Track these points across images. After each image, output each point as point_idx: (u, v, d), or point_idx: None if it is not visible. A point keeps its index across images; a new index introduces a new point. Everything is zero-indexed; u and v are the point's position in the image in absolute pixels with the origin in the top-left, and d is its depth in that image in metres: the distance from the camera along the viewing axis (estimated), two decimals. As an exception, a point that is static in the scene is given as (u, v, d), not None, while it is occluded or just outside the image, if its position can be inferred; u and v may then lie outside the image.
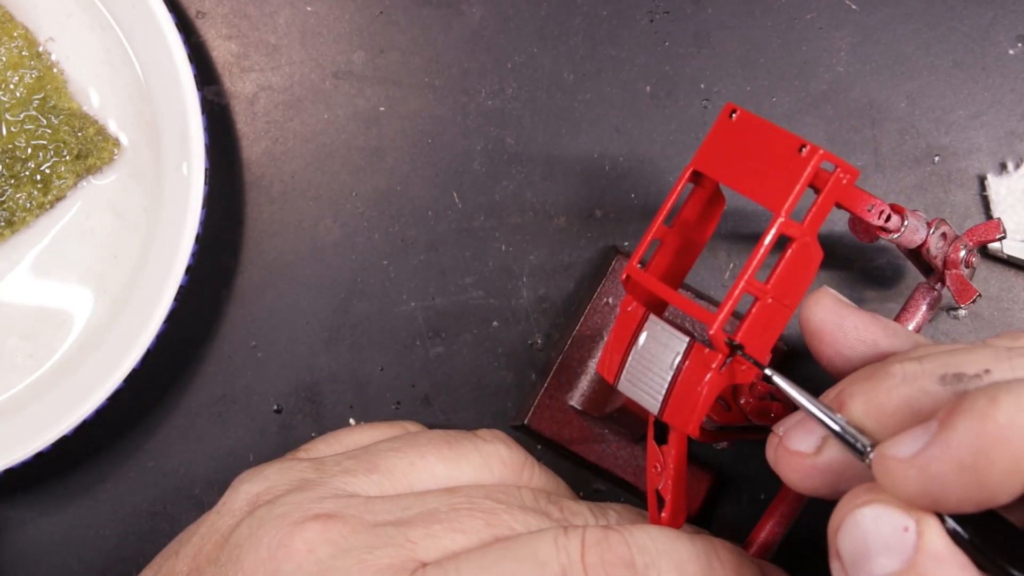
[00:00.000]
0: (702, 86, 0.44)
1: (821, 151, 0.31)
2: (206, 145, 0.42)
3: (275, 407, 0.44)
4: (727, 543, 0.34)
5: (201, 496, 0.44)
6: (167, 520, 0.44)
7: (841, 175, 0.33)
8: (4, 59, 0.43)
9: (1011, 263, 0.43)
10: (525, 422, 0.41)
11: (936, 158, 0.44)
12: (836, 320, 0.33)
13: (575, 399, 0.41)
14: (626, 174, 0.44)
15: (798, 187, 0.31)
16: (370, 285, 0.44)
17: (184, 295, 0.41)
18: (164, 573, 0.33)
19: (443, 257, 0.44)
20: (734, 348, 0.32)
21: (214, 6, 0.45)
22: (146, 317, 0.41)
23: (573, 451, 0.41)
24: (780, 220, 0.31)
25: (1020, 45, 0.44)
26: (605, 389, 0.41)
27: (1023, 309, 0.43)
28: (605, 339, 0.37)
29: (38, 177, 0.43)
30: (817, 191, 0.33)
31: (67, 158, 0.43)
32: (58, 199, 0.43)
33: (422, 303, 0.44)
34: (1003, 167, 0.43)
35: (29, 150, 0.43)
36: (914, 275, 0.43)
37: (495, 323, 0.44)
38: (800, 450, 0.30)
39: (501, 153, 0.44)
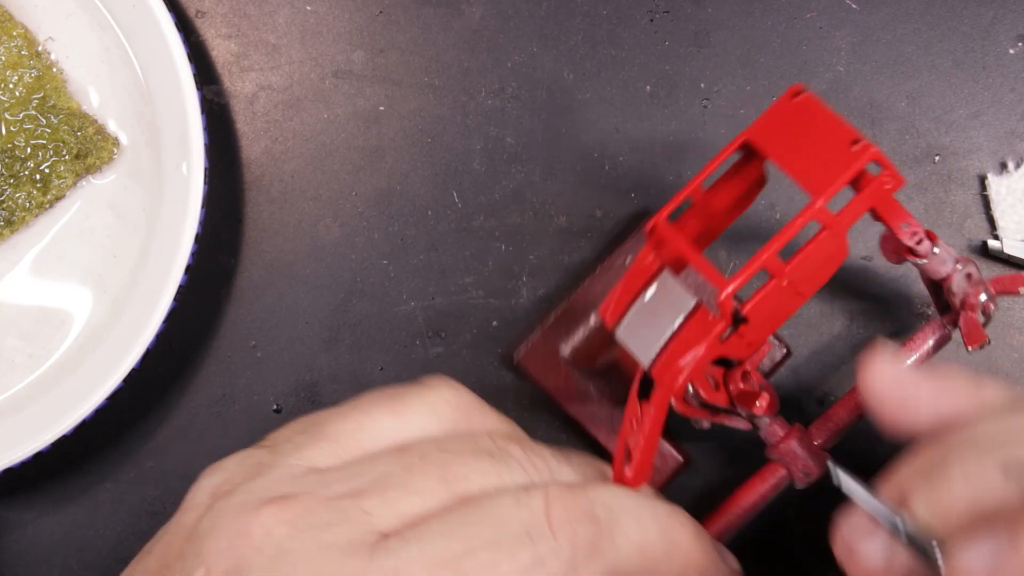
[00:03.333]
0: (702, 86, 0.44)
1: (874, 149, 0.31)
2: (206, 145, 0.41)
3: (275, 407, 0.44)
4: (685, 512, 0.34)
5: (201, 496, 0.44)
6: (167, 520, 0.44)
7: (886, 179, 0.32)
8: (3, 59, 0.43)
9: (1011, 263, 0.43)
10: (516, 360, 0.41)
11: (936, 157, 0.44)
12: (899, 393, 0.32)
13: (567, 350, 0.41)
14: (626, 174, 0.44)
15: (843, 178, 0.31)
16: (370, 285, 0.44)
17: (184, 295, 0.41)
18: (137, 574, 0.33)
19: (443, 257, 0.44)
20: (738, 320, 0.32)
21: (214, 5, 0.45)
22: (146, 317, 0.41)
23: (554, 398, 0.41)
24: (817, 204, 0.31)
25: (1020, 44, 0.44)
26: (599, 344, 0.41)
27: (1023, 309, 0.43)
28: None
29: (37, 177, 0.43)
30: (858, 190, 0.32)
31: (66, 158, 0.43)
32: (57, 199, 0.43)
33: (422, 303, 0.44)
34: (1003, 167, 0.43)
35: (28, 149, 0.43)
36: (919, 302, 0.43)
37: (495, 323, 0.44)
38: (875, 565, 0.30)
39: (501, 153, 0.44)
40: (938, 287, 0.38)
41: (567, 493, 0.31)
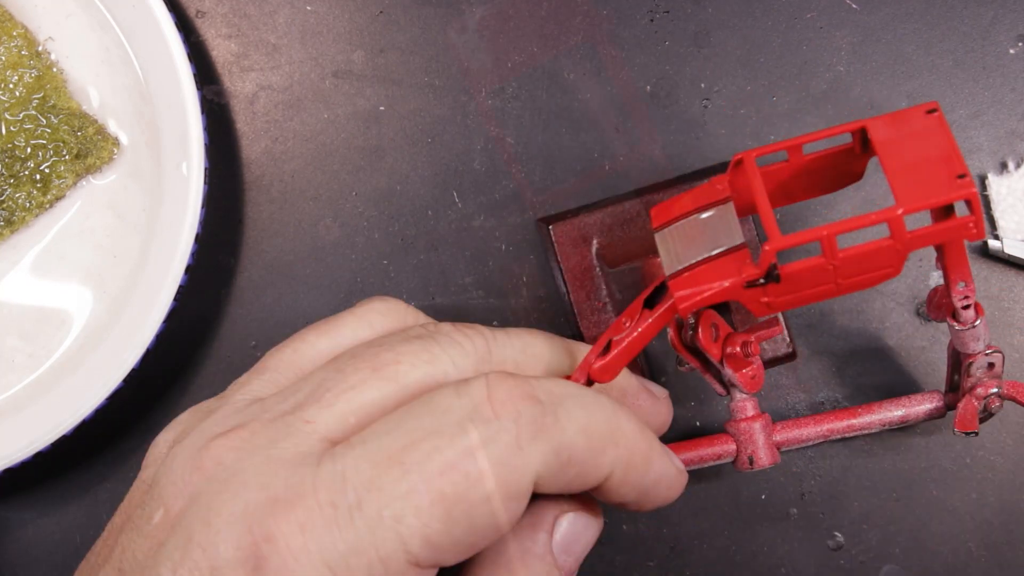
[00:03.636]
0: (702, 86, 0.44)
1: (974, 189, 0.31)
2: (206, 145, 0.41)
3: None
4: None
5: (201, 496, 0.44)
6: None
7: (969, 223, 0.32)
8: (3, 59, 0.43)
9: (1011, 263, 0.43)
10: (548, 224, 0.41)
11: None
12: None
13: (598, 240, 0.41)
14: (626, 174, 0.44)
15: (934, 199, 0.31)
16: (370, 285, 0.44)
17: (184, 295, 0.41)
18: (105, 532, 0.34)
19: (443, 257, 0.44)
20: (771, 275, 0.32)
21: (214, 5, 0.45)
22: (145, 316, 0.41)
23: (566, 282, 0.41)
24: (899, 211, 0.31)
25: (1020, 44, 0.44)
26: (631, 250, 0.41)
27: (1023, 309, 0.43)
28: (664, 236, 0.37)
29: (37, 177, 0.43)
30: (937, 222, 0.32)
31: (67, 158, 0.43)
32: (57, 199, 0.43)
33: (422, 303, 0.44)
34: (1003, 166, 0.43)
35: (28, 149, 0.43)
36: (920, 304, 0.43)
37: (495, 323, 0.44)
38: None
39: (501, 153, 0.44)
40: (958, 363, 0.38)
41: (509, 378, 0.31)
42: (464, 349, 0.34)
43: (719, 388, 0.38)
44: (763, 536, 0.43)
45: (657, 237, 0.35)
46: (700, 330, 0.35)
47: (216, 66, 0.45)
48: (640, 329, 0.34)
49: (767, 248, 0.32)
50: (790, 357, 0.41)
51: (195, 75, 0.42)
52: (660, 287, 0.35)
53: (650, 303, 0.35)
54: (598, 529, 0.34)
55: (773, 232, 0.32)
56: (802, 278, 0.32)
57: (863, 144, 0.34)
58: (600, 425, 0.32)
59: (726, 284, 0.33)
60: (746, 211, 0.35)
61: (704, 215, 0.35)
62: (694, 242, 0.34)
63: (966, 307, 0.36)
